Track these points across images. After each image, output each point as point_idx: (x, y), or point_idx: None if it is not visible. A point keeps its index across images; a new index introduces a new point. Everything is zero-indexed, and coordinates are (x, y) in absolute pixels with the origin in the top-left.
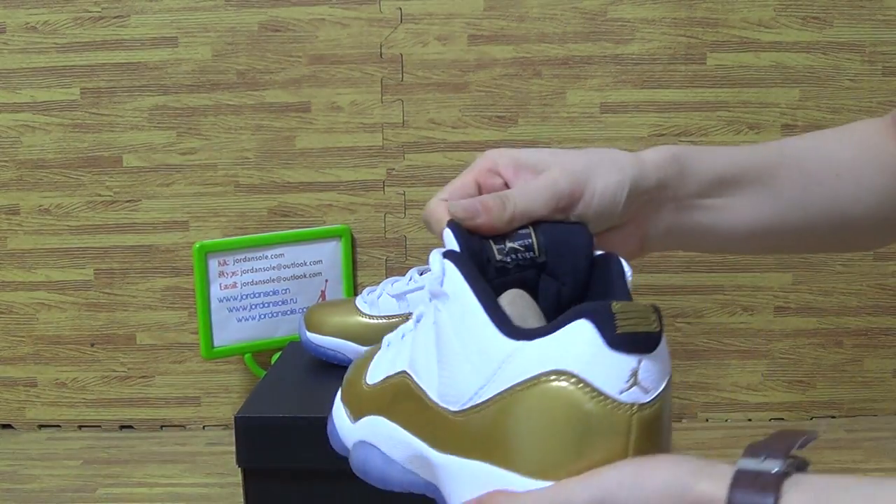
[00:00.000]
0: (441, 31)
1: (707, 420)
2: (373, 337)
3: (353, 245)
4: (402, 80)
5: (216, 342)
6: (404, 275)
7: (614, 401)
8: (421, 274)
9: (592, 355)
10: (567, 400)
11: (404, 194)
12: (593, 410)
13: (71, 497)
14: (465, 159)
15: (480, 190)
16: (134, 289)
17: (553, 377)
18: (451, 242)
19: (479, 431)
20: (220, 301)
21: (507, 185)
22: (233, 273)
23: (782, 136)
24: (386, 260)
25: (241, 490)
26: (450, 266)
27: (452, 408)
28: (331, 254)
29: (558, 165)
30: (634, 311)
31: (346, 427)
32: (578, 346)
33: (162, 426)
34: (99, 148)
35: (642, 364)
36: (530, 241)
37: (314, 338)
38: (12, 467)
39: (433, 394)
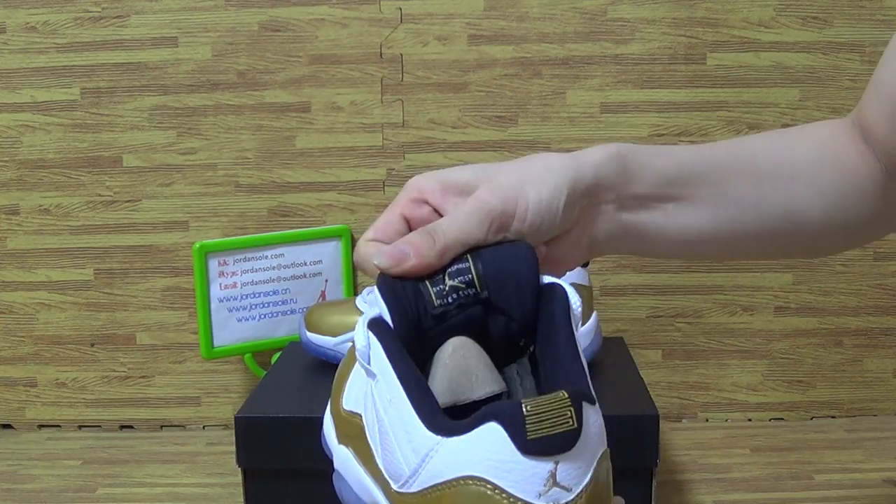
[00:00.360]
0: (441, 31)
1: (707, 420)
2: None
3: (353, 245)
4: (402, 80)
5: (216, 342)
6: None
7: None
8: None
9: (505, 462)
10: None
11: None
12: None
13: (71, 497)
14: (465, 159)
15: (409, 224)
16: (134, 289)
17: (471, 481)
18: (381, 305)
19: None
20: (220, 301)
21: (437, 212)
22: (233, 273)
23: None
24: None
25: (241, 490)
26: (374, 342)
27: (393, 485)
28: (331, 254)
29: (486, 183)
30: (548, 411)
31: (333, 443)
32: (490, 453)
33: (162, 426)
34: (99, 148)
35: (560, 466)
36: (469, 275)
37: (314, 338)
38: (12, 467)
39: (379, 460)
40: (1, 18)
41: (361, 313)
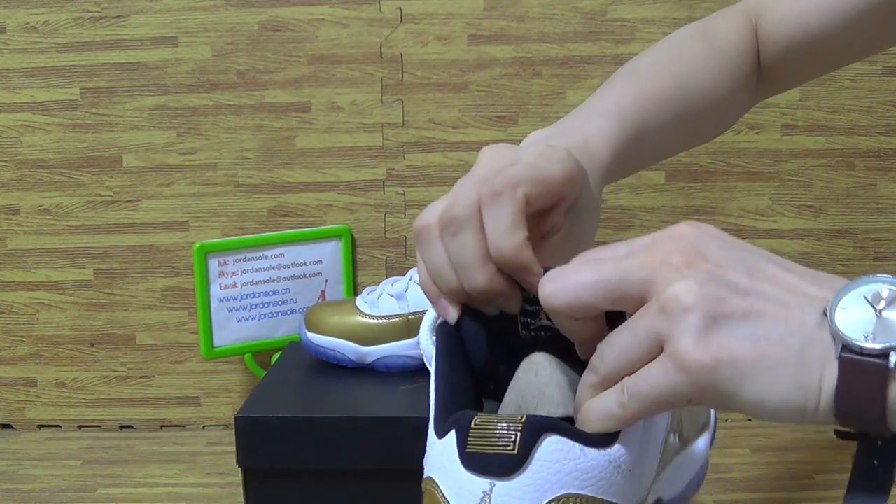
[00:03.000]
0: (441, 31)
1: None
2: (373, 337)
3: (353, 245)
4: (402, 80)
5: (216, 342)
6: (404, 275)
7: None
8: None
9: (451, 470)
10: None
11: (404, 194)
12: None
13: (71, 497)
14: (466, 159)
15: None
16: (134, 289)
17: (432, 484)
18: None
19: None
20: (220, 301)
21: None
22: (233, 273)
23: (782, 136)
24: (386, 260)
25: (241, 490)
26: (431, 352)
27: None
28: (331, 254)
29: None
30: (495, 430)
31: None
32: (445, 459)
33: (162, 426)
34: (99, 148)
35: (496, 490)
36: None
37: (314, 338)
38: (12, 467)
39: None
40: (1, 18)
41: (361, 313)
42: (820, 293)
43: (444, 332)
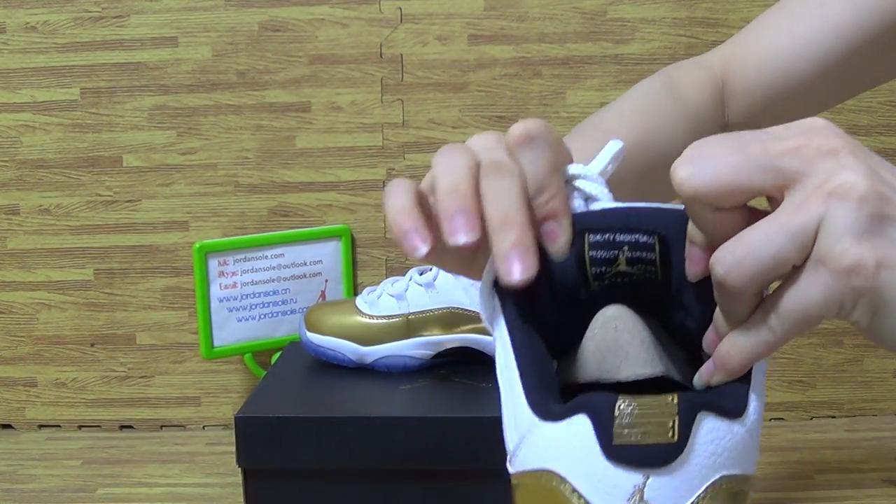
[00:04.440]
0: (441, 31)
1: None
2: (373, 337)
3: (353, 245)
4: (402, 80)
5: (216, 342)
6: (404, 275)
7: None
8: (421, 274)
9: (588, 464)
10: None
11: None
12: None
13: (71, 497)
14: None
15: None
16: (134, 289)
17: (553, 478)
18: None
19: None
20: (220, 301)
21: None
22: (233, 273)
23: None
24: (386, 260)
25: (241, 490)
26: (498, 308)
27: (507, 447)
28: (331, 254)
29: None
30: (646, 415)
31: None
32: (575, 449)
33: (162, 426)
34: (99, 148)
35: (651, 481)
36: (652, 255)
37: (314, 338)
38: (12, 467)
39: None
40: (1, 18)
41: (361, 313)
42: None
43: (513, 292)
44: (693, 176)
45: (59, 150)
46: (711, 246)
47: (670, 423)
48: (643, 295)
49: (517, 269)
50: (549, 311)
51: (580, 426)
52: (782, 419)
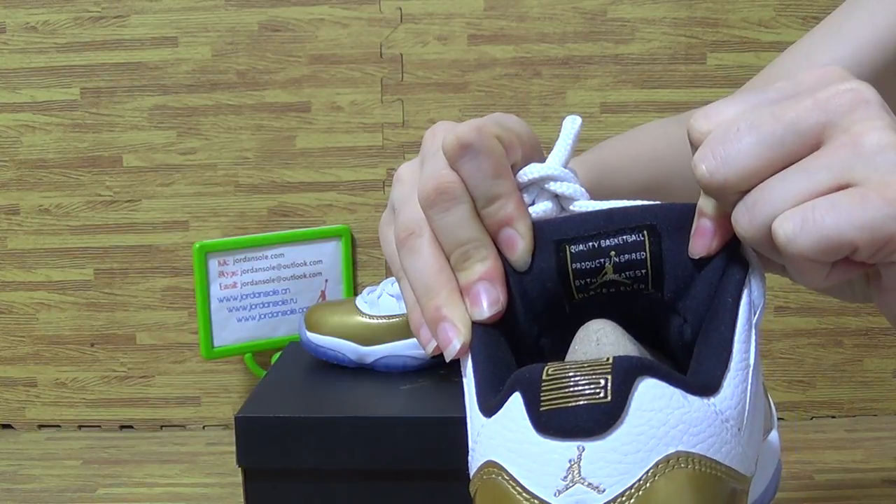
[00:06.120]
0: (441, 31)
1: None
2: (373, 337)
3: (353, 245)
4: (402, 80)
5: (216, 342)
6: None
7: None
8: None
9: (520, 443)
10: (504, 501)
11: None
12: None
13: (71, 497)
14: None
15: None
16: (134, 289)
17: (493, 471)
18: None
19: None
20: (220, 301)
21: None
22: (233, 273)
23: None
24: (386, 260)
25: (241, 490)
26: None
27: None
28: (331, 254)
29: None
30: (576, 377)
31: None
32: (509, 431)
33: (162, 426)
34: (99, 148)
35: (586, 453)
36: (642, 253)
37: (314, 338)
38: (12, 467)
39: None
40: (1, 18)
41: (361, 313)
42: None
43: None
44: (716, 170)
45: (59, 150)
46: (723, 217)
47: (602, 383)
48: (632, 305)
49: (484, 304)
50: (526, 332)
51: (513, 404)
52: (782, 419)
